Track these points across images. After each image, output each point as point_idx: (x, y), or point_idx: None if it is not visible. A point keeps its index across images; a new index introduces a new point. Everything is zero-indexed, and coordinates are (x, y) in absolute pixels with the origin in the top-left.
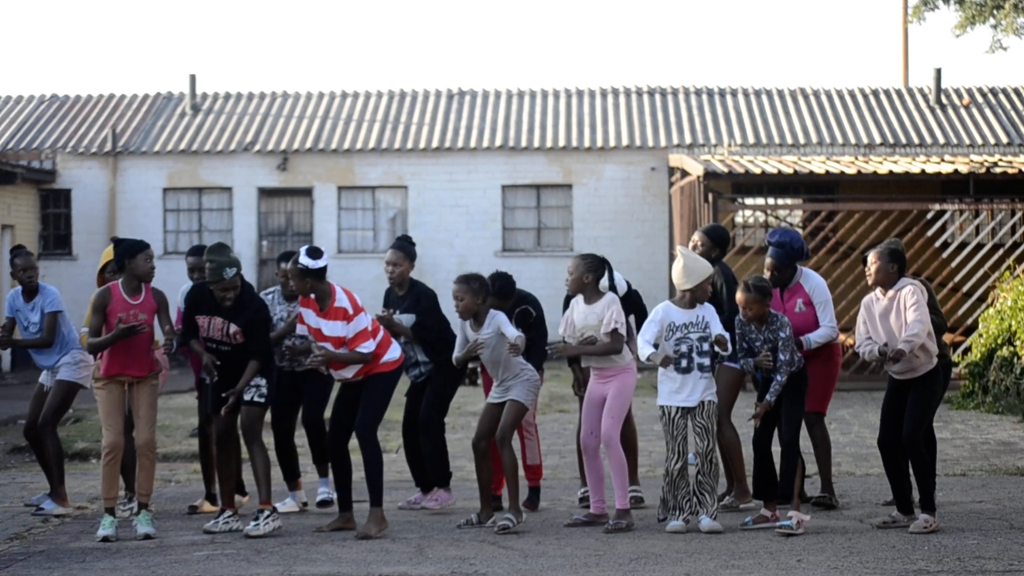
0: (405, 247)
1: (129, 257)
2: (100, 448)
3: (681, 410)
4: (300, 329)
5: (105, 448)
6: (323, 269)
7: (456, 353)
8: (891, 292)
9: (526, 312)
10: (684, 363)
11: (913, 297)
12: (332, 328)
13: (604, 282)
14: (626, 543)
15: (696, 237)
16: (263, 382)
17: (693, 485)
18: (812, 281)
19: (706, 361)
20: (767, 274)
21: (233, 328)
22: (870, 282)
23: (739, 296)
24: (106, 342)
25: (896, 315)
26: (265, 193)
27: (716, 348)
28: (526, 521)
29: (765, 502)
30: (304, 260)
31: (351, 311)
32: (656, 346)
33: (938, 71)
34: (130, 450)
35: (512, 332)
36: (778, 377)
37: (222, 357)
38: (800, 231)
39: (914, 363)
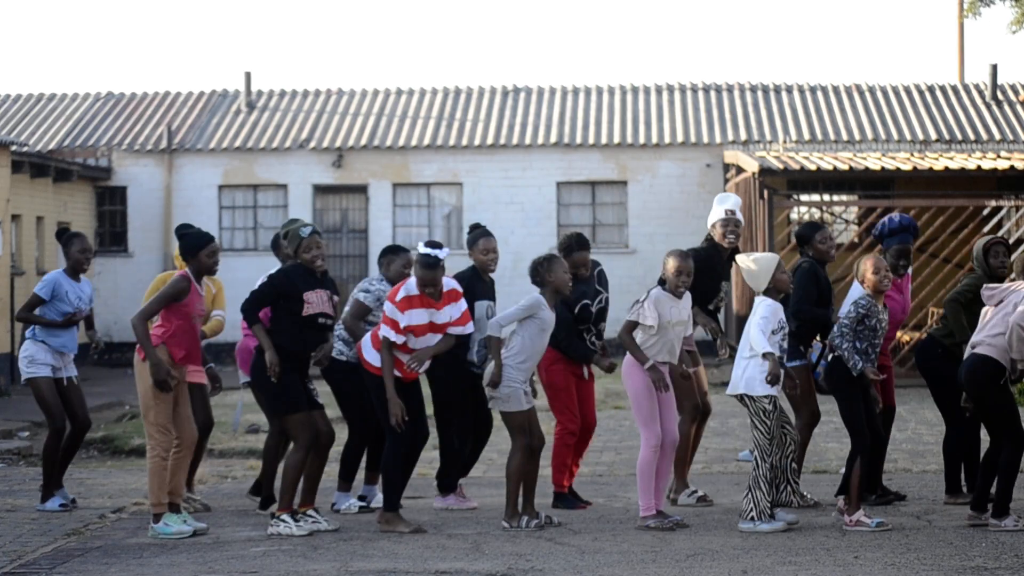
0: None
1: (191, 255)
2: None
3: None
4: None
5: (175, 445)
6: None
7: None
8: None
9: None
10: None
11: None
12: (446, 314)
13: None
14: (683, 539)
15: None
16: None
17: (750, 481)
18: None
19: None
20: (895, 261)
21: (337, 298)
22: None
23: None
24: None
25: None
26: (320, 190)
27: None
28: (584, 518)
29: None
30: (435, 252)
31: (459, 288)
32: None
33: (994, 67)
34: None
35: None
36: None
37: (323, 333)
38: (856, 227)
39: None
